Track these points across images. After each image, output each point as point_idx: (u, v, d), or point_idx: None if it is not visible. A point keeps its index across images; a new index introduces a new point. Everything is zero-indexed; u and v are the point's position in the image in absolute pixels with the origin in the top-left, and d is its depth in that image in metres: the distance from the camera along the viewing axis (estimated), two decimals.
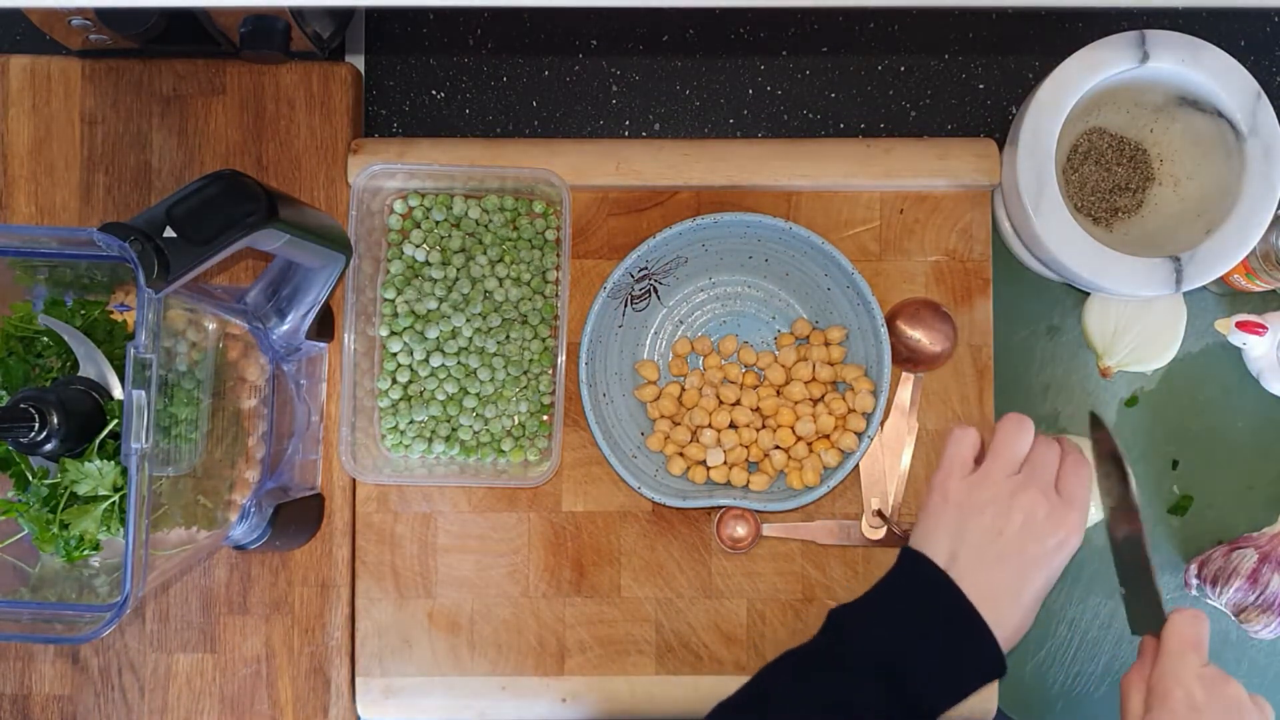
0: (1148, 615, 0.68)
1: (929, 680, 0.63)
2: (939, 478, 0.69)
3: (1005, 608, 0.65)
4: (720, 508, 0.83)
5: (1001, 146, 0.84)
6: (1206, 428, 0.86)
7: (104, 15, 0.77)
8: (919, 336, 0.83)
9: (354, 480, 0.84)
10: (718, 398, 0.83)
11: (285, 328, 0.76)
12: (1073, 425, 0.86)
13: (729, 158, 0.84)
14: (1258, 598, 0.80)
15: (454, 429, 0.83)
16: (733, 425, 0.83)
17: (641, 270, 0.83)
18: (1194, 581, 0.83)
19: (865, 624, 0.66)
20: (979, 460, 0.69)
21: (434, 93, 0.89)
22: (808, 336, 0.84)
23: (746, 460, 0.84)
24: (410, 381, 0.83)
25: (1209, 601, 0.83)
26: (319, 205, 0.84)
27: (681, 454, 0.83)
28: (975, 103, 0.89)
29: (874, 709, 0.63)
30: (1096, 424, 0.71)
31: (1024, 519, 0.66)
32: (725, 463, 0.83)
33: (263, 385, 0.76)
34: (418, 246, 0.83)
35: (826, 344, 0.83)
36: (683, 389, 0.84)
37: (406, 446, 0.83)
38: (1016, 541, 0.66)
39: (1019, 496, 0.66)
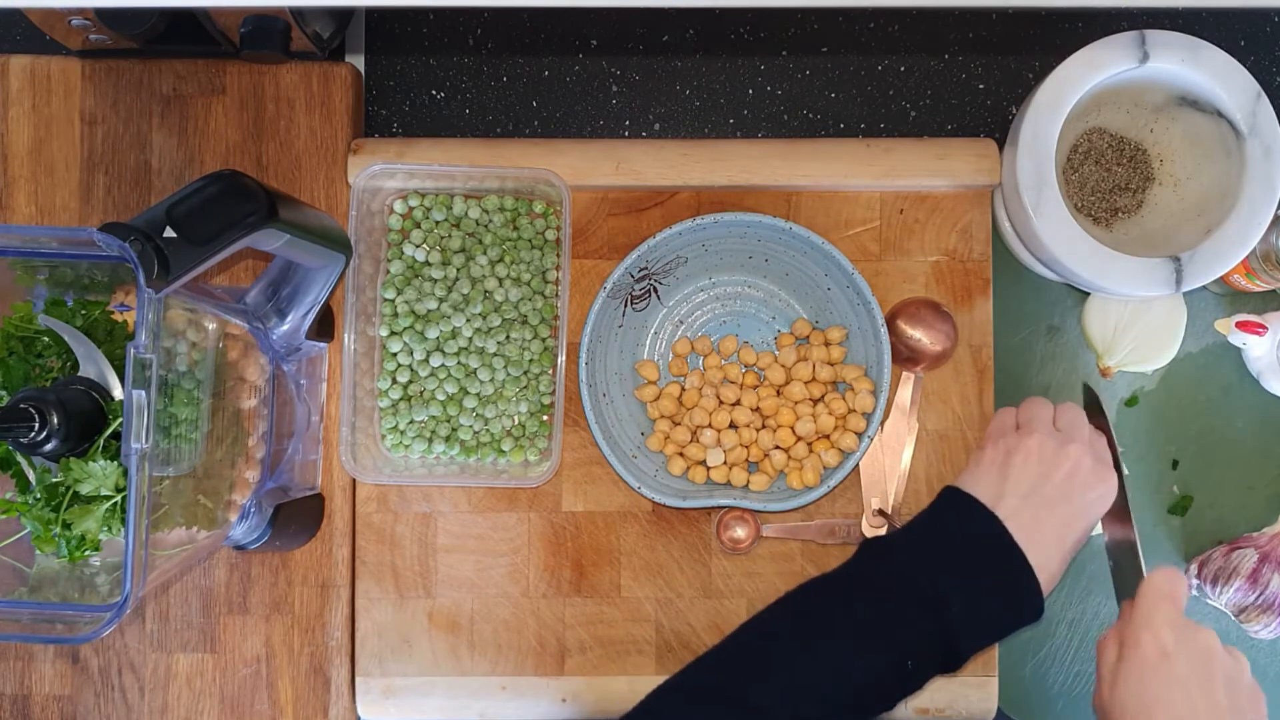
0: (1130, 583, 0.69)
1: (970, 614, 0.63)
2: (992, 430, 0.72)
3: (1048, 551, 0.65)
4: (720, 508, 0.83)
5: (1001, 146, 0.84)
6: (1206, 428, 0.86)
7: (104, 15, 0.77)
8: (919, 336, 0.83)
9: (354, 480, 0.84)
10: (718, 398, 0.83)
11: (285, 328, 0.76)
12: None
13: (729, 158, 0.84)
14: (1258, 598, 0.80)
15: (454, 429, 0.83)
16: (733, 425, 0.83)
17: (641, 270, 0.83)
18: (1194, 581, 0.83)
19: (908, 552, 0.66)
20: None
21: (434, 93, 0.89)
22: (808, 336, 0.84)
23: (746, 460, 0.84)
24: (410, 381, 0.83)
25: (1209, 602, 0.83)
26: (319, 205, 0.84)
27: (681, 454, 0.83)
28: (975, 103, 0.89)
29: (915, 637, 0.62)
30: (1090, 396, 0.73)
31: (1070, 468, 0.68)
32: (725, 463, 0.83)
33: (263, 385, 0.76)
34: (418, 246, 0.83)
35: (826, 344, 0.83)
36: (683, 389, 0.84)
37: (406, 446, 0.83)
38: (1063, 488, 0.67)
39: (1066, 447, 0.68)
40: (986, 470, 0.69)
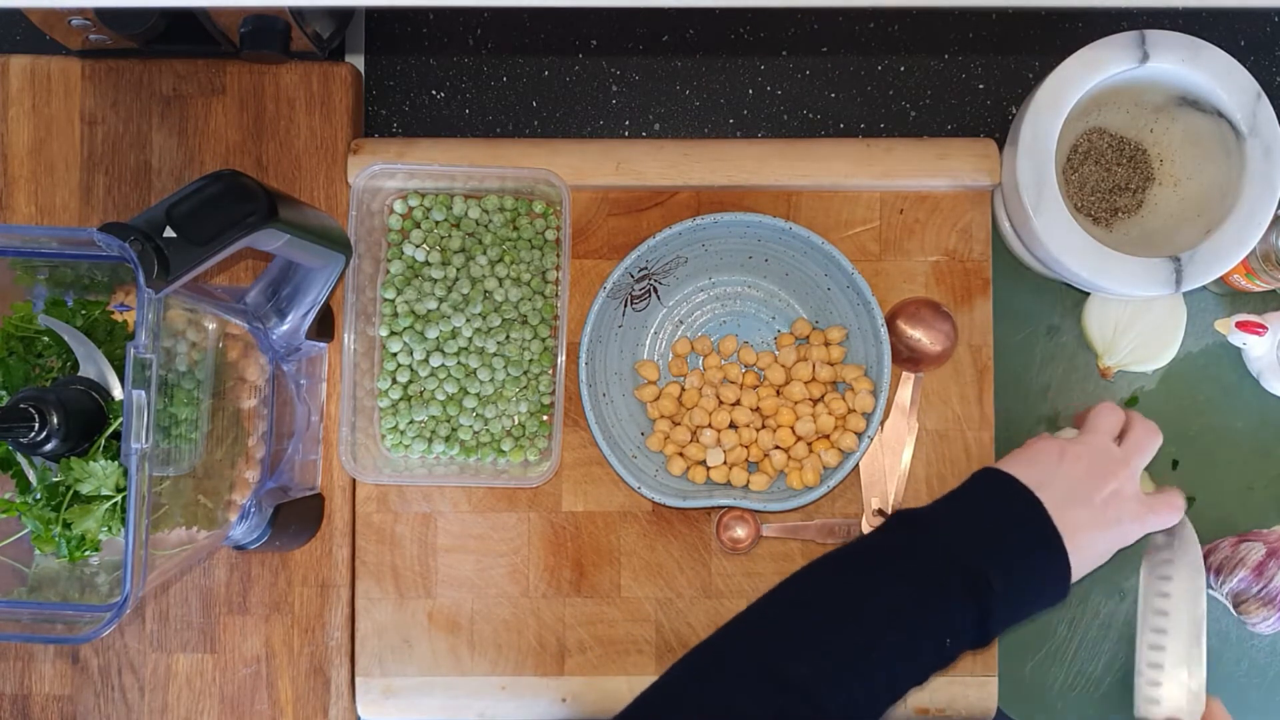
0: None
1: (1010, 594, 0.63)
2: (1089, 422, 0.75)
3: (1081, 541, 0.66)
4: (720, 508, 0.83)
5: (1001, 146, 0.84)
6: (1206, 428, 0.86)
7: (104, 15, 0.77)
8: (919, 336, 0.83)
9: (354, 480, 0.84)
10: (718, 398, 0.83)
11: (285, 328, 0.76)
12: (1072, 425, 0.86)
13: (729, 158, 0.84)
14: (1260, 590, 0.80)
15: (454, 429, 0.83)
16: (733, 425, 0.83)
17: (641, 270, 0.83)
18: None
19: (950, 528, 0.65)
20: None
21: (434, 93, 0.89)
22: (808, 336, 0.84)
23: (746, 460, 0.84)
24: (410, 381, 0.83)
25: (1210, 591, 0.83)
26: (319, 205, 0.84)
27: (681, 454, 0.83)
28: (975, 103, 0.89)
29: (957, 616, 0.61)
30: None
31: (1117, 487, 0.69)
32: (725, 463, 0.83)
33: (263, 385, 0.76)
34: (418, 246, 0.83)
35: (826, 344, 0.83)
36: (683, 389, 0.84)
37: (406, 446, 0.83)
38: (1102, 502, 0.68)
39: (1119, 467, 0.70)
40: (1036, 457, 0.70)
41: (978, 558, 0.63)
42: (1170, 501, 0.74)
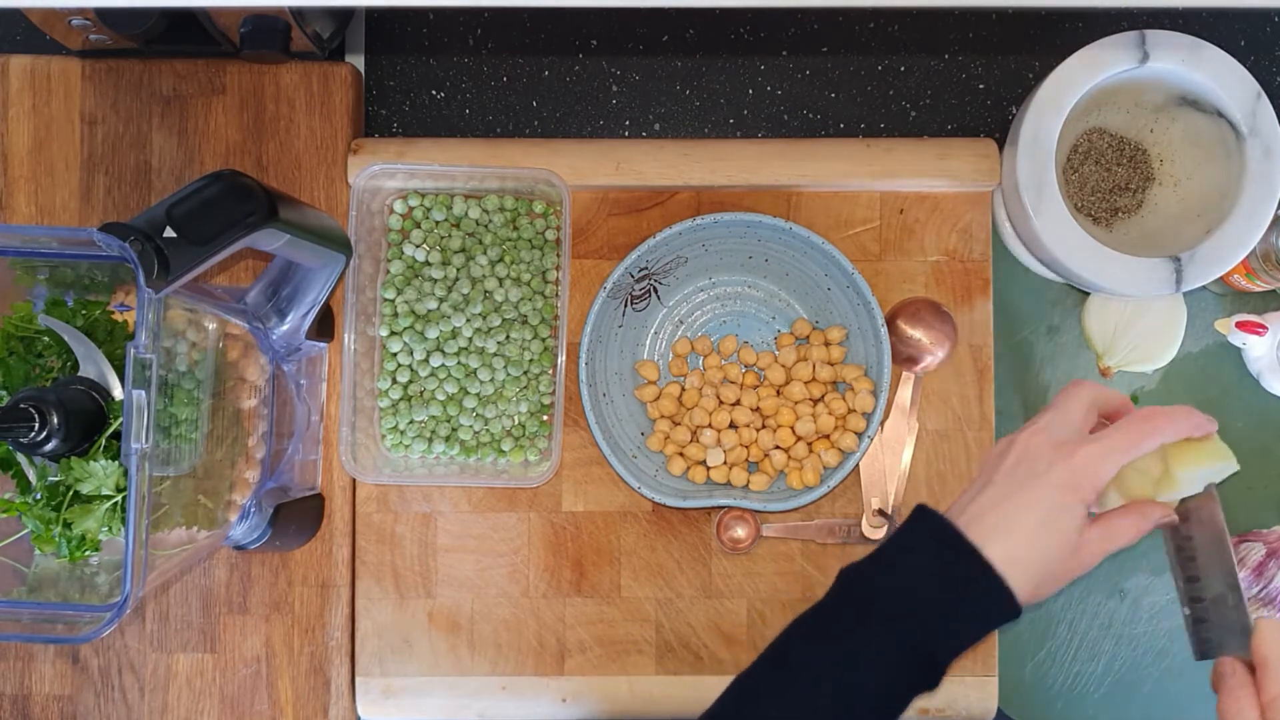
0: (1225, 635, 0.62)
1: (938, 625, 0.61)
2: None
3: (1017, 541, 0.61)
4: (720, 508, 0.83)
5: (1001, 146, 0.84)
6: None
7: (104, 15, 0.77)
8: (919, 336, 0.83)
9: (354, 480, 0.84)
10: (718, 398, 0.83)
11: (285, 328, 0.76)
12: None
13: (729, 158, 0.84)
14: (1260, 590, 0.80)
15: (454, 429, 0.83)
16: (733, 425, 0.83)
17: (641, 270, 0.83)
18: None
19: (871, 574, 0.63)
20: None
21: (434, 93, 0.89)
22: (808, 336, 0.84)
23: (746, 460, 0.84)
24: (410, 381, 0.83)
25: None
26: (319, 205, 0.84)
27: (681, 454, 0.83)
28: (975, 103, 0.89)
29: (887, 660, 0.60)
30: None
31: (1019, 452, 0.63)
32: (725, 463, 0.83)
33: (263, 385, 0.76)
34: (418, 246, 0.83)
35: (826, 344, 0.83)
36: (683, 389, 0.84)
37: (406, 446, 0.83)
38: (1016, 474, 0.63)
39: (1016, 437, 0.64)
40: (981, 471, 0.66)
41: (898, 600, 0.61)
42: (1142, 512, 0.65)
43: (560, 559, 0.84)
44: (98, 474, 0.62)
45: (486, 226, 0.84)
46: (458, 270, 0.83)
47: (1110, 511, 0.64)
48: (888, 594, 0.62)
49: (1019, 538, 0.61)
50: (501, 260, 0.83)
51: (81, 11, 0.77)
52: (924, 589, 0.62)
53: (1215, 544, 0.64)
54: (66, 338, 0.65)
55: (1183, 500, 0.65)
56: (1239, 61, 0.76)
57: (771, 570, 0.84)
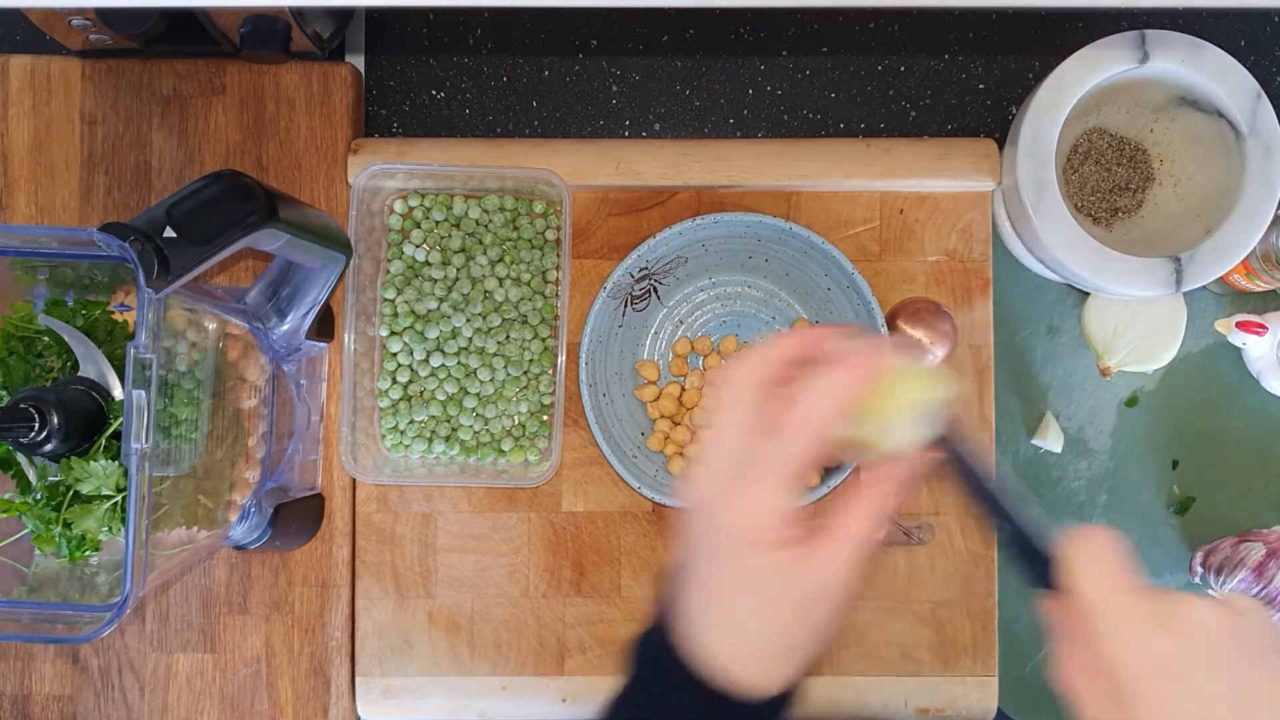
0: (1029, 563, 0.50)
1: None
2: None
3: (724, 619, 0.49)
4: None
5: (1001, 146, 0.84)
6: (1206, 428, 0.86)
7: (104, 15, 0.77)
8: (919, 336, 0.83)
9: (354, 480, 0.84)
10: None
11: (285, 328, 0.76)
12: (1072, 425, 0.86)
13: (729, 158, 0.84)
14: (1261, 590, 0.80)
15: (454, 429, 0.83)
16: None
17: (641, 270, 0.83)
18: (1199, 570, 0.83)
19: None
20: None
21: (434, 93, 0.89)
22: None
23: None
24: (410, 381, 0.83)
25: (1210, 592, 0.83)
26: (319, 205, 0.84)
27: (681, 454, 0.83)
28: (975, 103, 0.89)
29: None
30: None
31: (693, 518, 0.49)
32: None
33: (263, 385, 0.76)
34: (418, 246, 0.83)
35: None
36: (683, 389, 0.84)
37: (406, 446, 0.83)
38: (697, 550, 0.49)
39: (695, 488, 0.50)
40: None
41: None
42: (866, 498, 0.49)
43: (560, 559, 0.84)
44: (98, 474, 0.62)
45: (486, 226, 0.84)
46: (458, 270, 0.83)
47: (826, 519, 0.51)
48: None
49: (728, 612, 0.49)
50: (501, 260, 0.83)
51: (81, 11, 0.77)
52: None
53: (982, 477, 0.51)
54: (66, 338, 0.65)
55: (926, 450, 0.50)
56: (1239, 61, 0.76)
57: None
